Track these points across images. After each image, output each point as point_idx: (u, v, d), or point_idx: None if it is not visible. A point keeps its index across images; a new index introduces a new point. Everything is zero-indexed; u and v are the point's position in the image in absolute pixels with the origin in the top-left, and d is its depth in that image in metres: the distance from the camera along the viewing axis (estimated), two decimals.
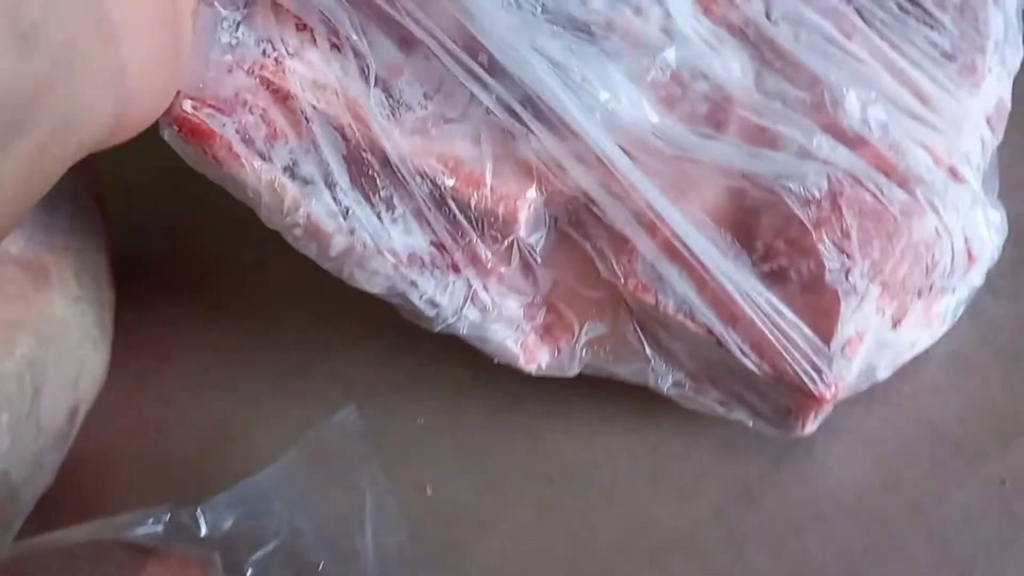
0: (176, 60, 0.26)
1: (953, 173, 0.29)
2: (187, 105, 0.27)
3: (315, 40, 0.29)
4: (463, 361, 0.31)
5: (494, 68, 0.28)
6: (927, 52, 0.30)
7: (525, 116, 0.28)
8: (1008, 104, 0.30)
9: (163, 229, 0.37)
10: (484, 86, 0.28)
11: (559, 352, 0.30)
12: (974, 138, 0.30)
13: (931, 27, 0.30)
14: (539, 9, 0.30)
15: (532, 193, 0.28)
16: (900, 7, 0.30)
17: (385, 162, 0.28)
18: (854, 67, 0.29)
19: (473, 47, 0.28)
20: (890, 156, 0.28)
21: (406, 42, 0.29)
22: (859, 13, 0.30)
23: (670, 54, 0.30)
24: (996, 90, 0.30)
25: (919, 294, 0.29)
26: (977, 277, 0.30)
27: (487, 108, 0.28)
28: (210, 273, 0.36)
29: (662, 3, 0.31)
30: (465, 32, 0.28)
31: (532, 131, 0.28)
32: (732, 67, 0.30)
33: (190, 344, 0.34)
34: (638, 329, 0.29)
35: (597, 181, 0.28)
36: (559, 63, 0.28)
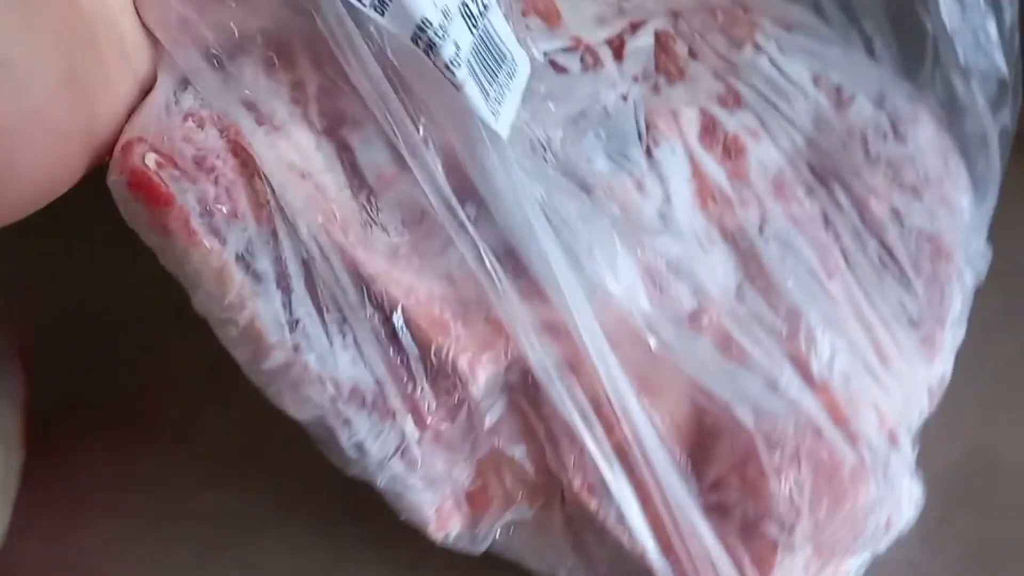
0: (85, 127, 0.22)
1: (893, 439, 0.29)
2: (150, 160, 0.22)
3: (308, 118, 0.25)
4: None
5: (482, 214, 0.25)
6: (896, 314, 0.30)
7: (502, 271, 0.25)
8: (948, 379, 0.31)
9: (88, 376, 0.32)
10: (466, 233, 0.25)
11: (475, 526, 0.27)
12: (916, 408, 0.30)
13: (904, 289, 0.31)
14: (554, 161, 0.28)
15: (499, 354, 0.26)
16: (881, 260, 0.31)
17: (352, 277, 0.25)
18: (830, 309, 0.29)
19: (464, 185, 0.25)
20: (846, 410, 0.28)
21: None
22: (844, 255, 0.31)
23: (665, 242, 0.28)
24: (943, 366, 0.31)
25: (839, 555, 0.29)
26: (885, 543, 0.30)
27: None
28: (134, 429, 0.31)
29: (664, 183, 0.30)
30: (460, 165, 0.25)
31: (505, 289, 0.25)
32: (717, 271, 0.29)
33: (103, 510, 0.30)
34: (566, 525, 0.27)
35: (564, 358, 0.26)
36: (568, 225, 0.26)
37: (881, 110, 0.33)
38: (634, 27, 0.33)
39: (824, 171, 0.32)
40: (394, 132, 0.25)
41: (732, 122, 0.31)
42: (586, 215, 0.26)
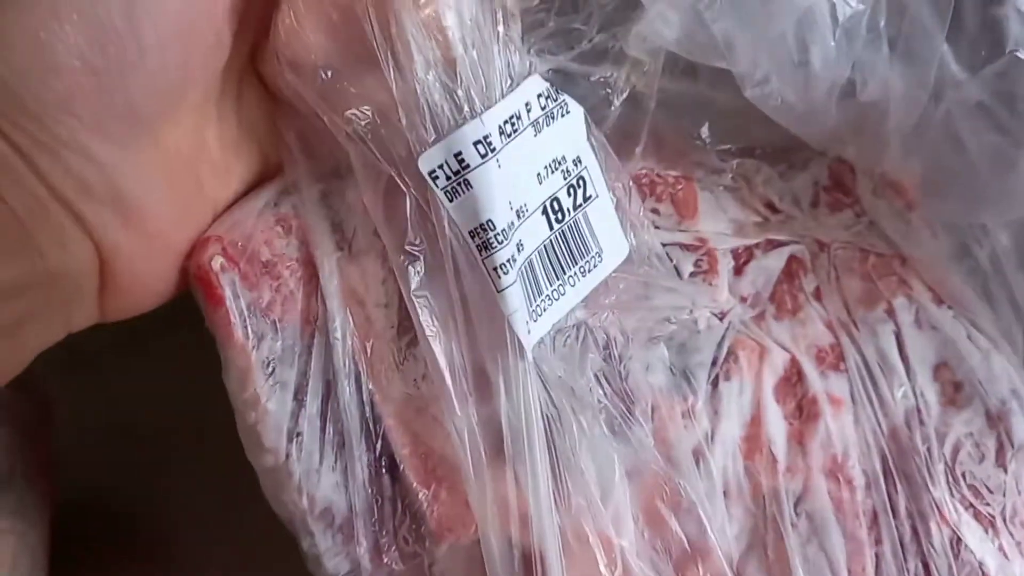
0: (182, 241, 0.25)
1: None
2: (216, 262, 0.25)
3: (385, 253, 0.27)
4: None
5: (485, 401, 0.26)
6: None
7: (486, 459, 0.26)
8: None
9: (104, 496, 0.35)
10: (464, 417, 0.26)
11: None
12: None
13: None
14: (605, 360, 0.28)
15: (470, 530, 0.27)
16: None
17: (364, 410, 0.27)
18: None
19: (480, 370, 0.26)
20: None
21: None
22: (877, 561, 0.29)
23: (691, 480, 0.28)
24: None
25: None
26: None
27: None
28: (150, 554, 0.34)
29: (715, 420, 0.29)
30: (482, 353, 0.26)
31: (483, 476, 0.26)
32: (727, 528, 0.28)
33: None
34: None
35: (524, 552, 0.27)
36: (568, 441, 0.26)
37: (994, 429, 0.30)
38: (770, 245, 0.32)
39: (895, 469, 0.30)
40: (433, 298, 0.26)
41: (819, 384, 0.30)
42: (595, 438, 0.27)
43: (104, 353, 0.27)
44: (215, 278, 0.25)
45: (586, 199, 0.27)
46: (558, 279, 0.26)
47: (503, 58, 0.24)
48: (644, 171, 0.32)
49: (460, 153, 0.24)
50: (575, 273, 0.27)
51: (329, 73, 0.24)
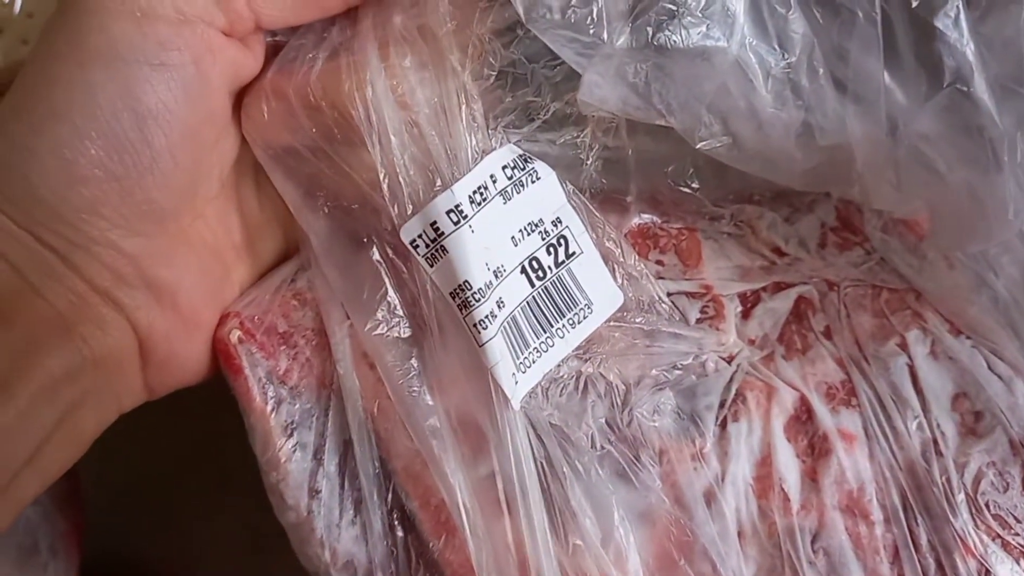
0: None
1: None
2: (234, 335, 0.28)
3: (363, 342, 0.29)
4: None
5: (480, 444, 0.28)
6: None
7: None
8: None
9: (132, 542, 0.38)
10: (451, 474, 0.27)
11: None
12: None
13: None
14: (609, 407, 0.29)
15: None
16: None
17: (380, 467, 0.29)
18: None
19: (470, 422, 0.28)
20: None
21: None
22: None
23: (703, 522, 0.29)
24: None
25: None
26: None
27: None
28: None
29: (726, 461, 0.30)
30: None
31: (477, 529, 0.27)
32: (743, 570, 0.29)
33: None
34: None
35: None
36: (563, 485, 0.28)
37: (1018, 457, 0.30)
38: (777, 288, 0.33)
39: (915, 502, 0.30)
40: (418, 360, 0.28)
41: (829, 420, 0.31)
42: (595, 480, 0.28)
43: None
44: (233, 350, 0.28)
45: (569, 256, 0.29)
46: (545, 332, 0.28)
47: (468, 134, 0.27)
48: (647, 224, 0.34)
49: (435, 222, 0.26)
50: (563, 325, 0.29)
51: (299, 158, 0.27)
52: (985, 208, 0.28)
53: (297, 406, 0.29)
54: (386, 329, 0.28)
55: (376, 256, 0.28)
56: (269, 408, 0.28)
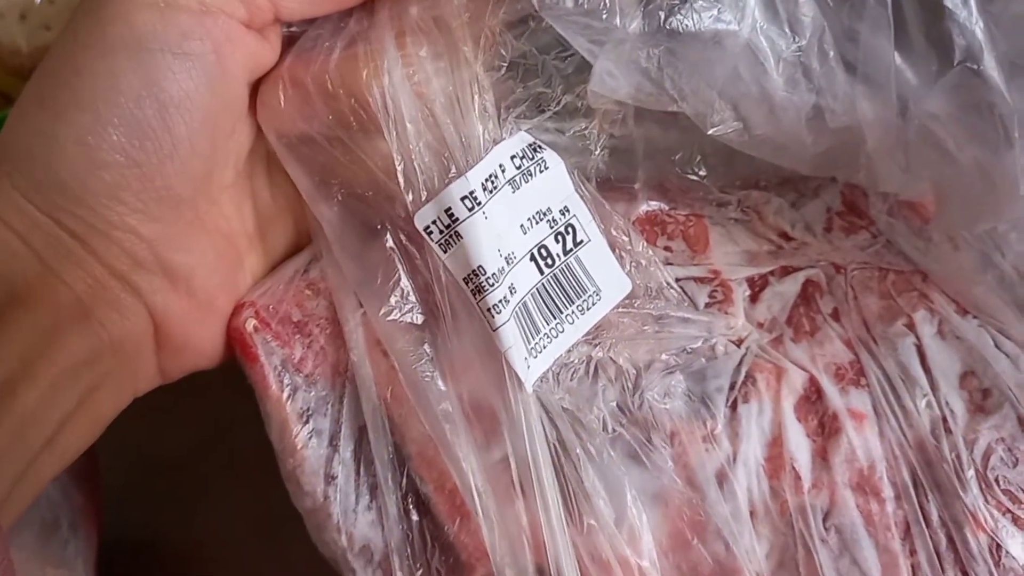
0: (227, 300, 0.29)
1: None
2: (250, 324, 0.29)
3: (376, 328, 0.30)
4: None
5: (492, 428, 0.28)
6: None
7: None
8: None
9: (147, 522, 0.38)
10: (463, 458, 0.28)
11: None
12: None
13: None
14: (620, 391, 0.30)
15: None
16: None
17: (395, 453, 0.29)
18: None
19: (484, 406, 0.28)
20: None
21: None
22: (912, 572, 0.29)
23: (716, 502, 0.30)
24: None
25: None
26: None
27: None
28: None
29: (736, 442, 0.31)
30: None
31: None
32: (756, 548, 0.30)
33: None
34: None
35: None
36: (576, 466, 0.28)
37: None
38: (784, 271, 0.34)
39: (925, 479, 0.30)
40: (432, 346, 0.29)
41: (838, 400, 0.31)
42: (607, 461, 0.29)
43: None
44: (249, 338, 0.29)
45: (576, 244, 0.30)
46: (555, 318, 0.29)
47: (480, 123, 0.28)
48: (655, 211, 0.34)
49: (450, 208, 0.27)
50: (573, 312, 0.29)
51: (314, 146, 0.28)
52: (995, 185, 0.28)
53: (312, 393, 0.29)
54: (399, 315, 0.28)
55: (390, 243, 0.28)
56: (285, 396, 0.29)
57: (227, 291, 0.30)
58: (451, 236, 0.27)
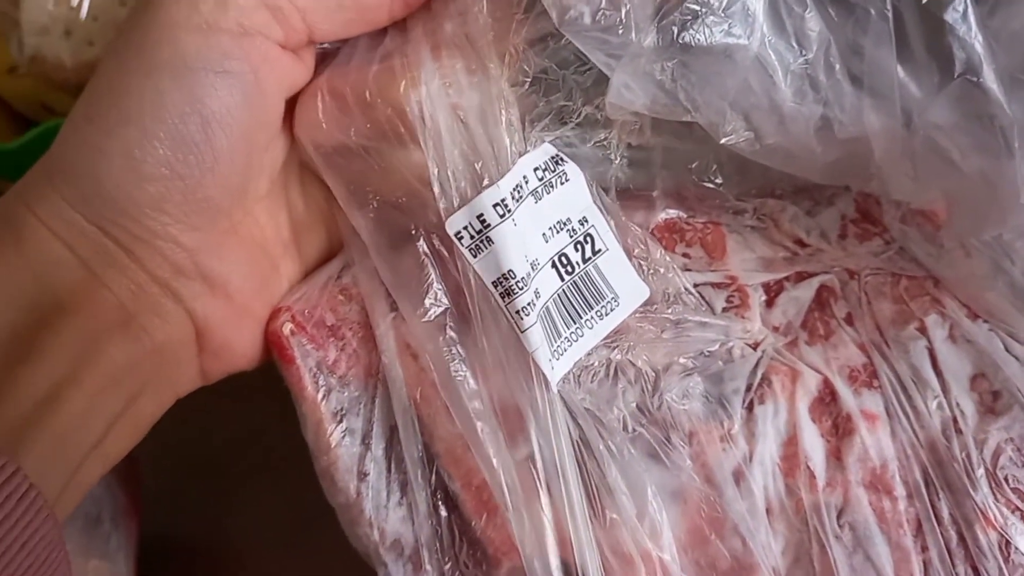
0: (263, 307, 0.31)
1: None
2: (286, 328, 0.30)
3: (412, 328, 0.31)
4: None
5: (518, 426, 0.30)
6: None
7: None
8: None
9: (179, 521, 0.40)
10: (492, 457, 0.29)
11: None
12: None
13: None
14: (641, 393, 0.31)
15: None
16: None
17: (424, 451, 0.31)
18: None
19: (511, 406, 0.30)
20: None
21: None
22: (924, 568, 0.31)
23: (733, 500, 0.31)
24: None
25: None
26: None
27: None
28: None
29: (753, 442, 0.32)
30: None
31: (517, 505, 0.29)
32: (772, 544, 0.31)
33: None
34: None
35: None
36: (599, 464, 0.30)
37: None
38: (799, 277, 0.35)
39: (936, 479, 0.31)
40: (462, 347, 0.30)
41: (851, 401, 0.32)
42: (628, 459, 0.30)
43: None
44: (285, 341, 0.30)
45: (595, 252, 0.31)
46: (575, 323, 0.30)
47: (507, 136, 0.29)
48: (673, 219, 0.36)
49: (482, 215, 0.29)
50: (592, 317, 0.31)
51: (350, 155, 0.29)
52: (998, 194, 0.29)
53: (346, 394, 0.31)
54: (433, 316, 0.30)
55: (423, 248, 0.30)
56: (320, 396, 0.30)
57: (263, 296, 0.31)
58: (482, 241, 0.29)
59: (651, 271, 0.34)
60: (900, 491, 0.31)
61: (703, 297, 0.35)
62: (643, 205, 0.35)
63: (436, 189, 0.29)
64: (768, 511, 0.31)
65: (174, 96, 0.27)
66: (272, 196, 0.32)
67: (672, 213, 0.36)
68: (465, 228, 0.29)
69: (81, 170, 0.28)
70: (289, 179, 0.32)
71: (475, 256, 0.29)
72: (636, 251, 0.34)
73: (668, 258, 0.34)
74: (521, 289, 0.29)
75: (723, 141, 0.29)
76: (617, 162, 0.32)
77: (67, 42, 0.37)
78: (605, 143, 0.31)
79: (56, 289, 0.27)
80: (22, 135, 0.42)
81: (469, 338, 0.30)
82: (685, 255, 0.35)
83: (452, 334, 0.30)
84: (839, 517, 0.31)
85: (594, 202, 0.32)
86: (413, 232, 0.30)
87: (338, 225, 0.33)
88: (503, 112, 0.29)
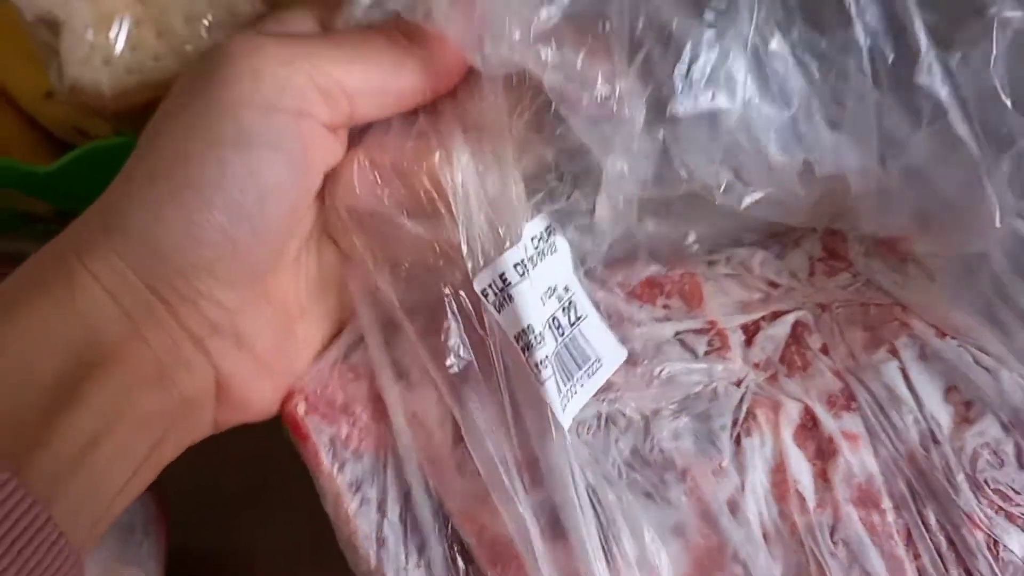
0: (284, 369, 0.34)
1: None
2: (300, 408, 0.33)
3: (435, 379, 0.34)
4: None
5: (537, 481, 0.32)
6: None
7: (541, 536, 0.32)
8: None
9: (198, 543, 0.42)
10: (516, 498, 0.32)
11: None
12: None
13: None
14: (636, 437, 0.34)
15: None
16: None
17: (437, 512, 0.33)
18: None
19: (530, 455, 0.32)
20: None
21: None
22: (919, 573, 0.32)
23: (731, 528, 0.33)
24: None
25: None
26: None
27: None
28: None
29: (743, 473, 0.34)
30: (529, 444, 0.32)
31: (540, 550, 0.31)
32: (773, 569, 0.33)
33: None
34: None
35: None
36: (606, 510, 0.32)
37: (1010, 436, 0.34)
38: (775, 315, 0.38)
39: (921, 488, 0.33)
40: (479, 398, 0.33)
41: (832, 424, 0.35)
42: (627, 504, 0.32)
43: None
44: (300, 420, 0.33)
45: (578, 318, 0.34)
46: (569, 381, 0.33)
47: (519, 205, 0.33)
48: (652, 275, 0.39)
49: (504, 273, 0.32)
50: (582, 376, 0.34)
51: (383, 219, 0.33)
52: (972, 217, 0.32)
53: (360, 466, 0.34)
54: (459, 368, 0.33)
55: (451, 305, 0.33)
56: (335, 470, 0.33)
57: (281, 355, 0.34)
58: (504, 298, 0.32)
59: (635, 326, 0.37)
60: (887, 503, 0.33)
61: (685, 344, 0.37)
62: (624, 266, 0.38)
63: (464, 250, 0.32)
64: (765, 536, 0.33)
65: (235, 168, 0.30)
66: (296, 260, 0.34)
67: (651, 269, 0.39)
68: (489, 286, 0.32)
69: (138, 228, 0.30)
70: (309, 244, 0.35)
71: (499, 311, 0.32)
72: (621, 311, 0.37)
73: (648, 313, 0.37)
74: (538, 343, 0.32)
75: (719, 201, 0.32)
76: (602, 243, 0.35)
77: (106, 70, 0.39)
78: (592, 227, 0.34)
79: (101, 341, 0.29)
80: (57, 158, 0.44)
81: (491, 389, 0.32)
82: (665, 306, 0.38)
83: (475, 383, 0.33)
84: (832, 535, 0.33)
85: (575, 273, 0.36)
86: (440, 290, 0.33)
87: (347, 290, 0.35)
88: (514, 185, 0.32)
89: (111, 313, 0.29)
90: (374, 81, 0.32)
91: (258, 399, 0.33)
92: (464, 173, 0.32)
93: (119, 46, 0.39)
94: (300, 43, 0.31)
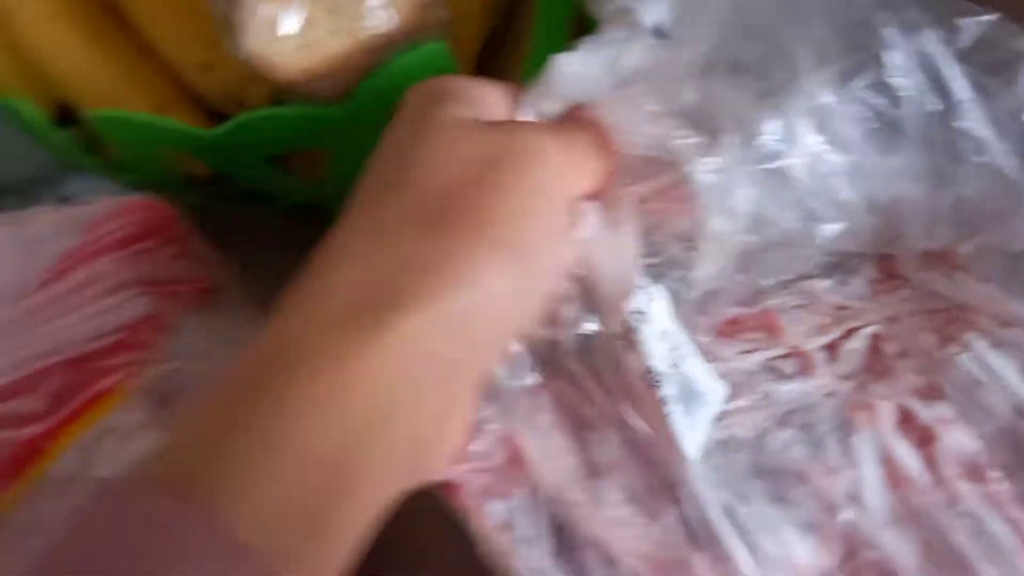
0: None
1: None
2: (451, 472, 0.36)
3: (562, 424, 0.38)
4: None
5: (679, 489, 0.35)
6: None
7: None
8: None
9: None
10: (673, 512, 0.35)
11: None
12: None
13: None
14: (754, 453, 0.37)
15: None
16: None
17: (584, 542, 0.36)
18: None
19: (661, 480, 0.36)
20: None
21: (631, 443, 0.37)
22: None
23: (859, 519, 0.36)
24: None
25: None
26: None
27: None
28: None
29: (855, 468, 0.37)
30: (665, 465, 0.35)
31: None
32: (901, 549, 0.35)
33: None
34: None
35: None
36: (745, 524, 0.35)
37: None
38: (850, 332, 0.42)
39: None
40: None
41: (926, 413, 0.38)
42: (760, 511, 0.35)
43: None
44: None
45: (683, 357, 0.38)
46: (688, 415, 0.37)
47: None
48: (733, 316, 0.43)
49: (626, 320, 0.36)
50: (696, 409, 0.37)
51: None
52: (1013, 221, 0.37)
53: (508, 506, 0.36)
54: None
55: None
56: (485, 513, 0.36)
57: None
58: (629, 342, 0.36)
59: (726, 362, 0.40)
60: (997, 473, 0.36)
61: (775, 369, 0.41)
62: (709, 310, 0.42)
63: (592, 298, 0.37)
64: (890, 522, 0.36)
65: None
66: None
67: (731, 311, 0.43)
68: (616, 330, 0.36)
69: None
70: None
71: (626, 354, 0.36)
72: (713, 351, 0.40)
73: (736, 348, 0.41)
74: (661, 382, 0.35)
75: (819, 242, 0.37)
76: (693, 294, 0.39)
77: (278, 44, 0.40)
78: (682, 279, 0.39)
79: None
80: (210, 126, 0.46)
81: (620, 426, 0.36)
82: (751, 340, 0.42)
83: (606, 422, 0.36)
84: (951, 510, 0.36)
85: (675, 316, 0.40)
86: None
87: None
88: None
89: None
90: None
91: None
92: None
93: (292, 21, 0.41)
94: None
